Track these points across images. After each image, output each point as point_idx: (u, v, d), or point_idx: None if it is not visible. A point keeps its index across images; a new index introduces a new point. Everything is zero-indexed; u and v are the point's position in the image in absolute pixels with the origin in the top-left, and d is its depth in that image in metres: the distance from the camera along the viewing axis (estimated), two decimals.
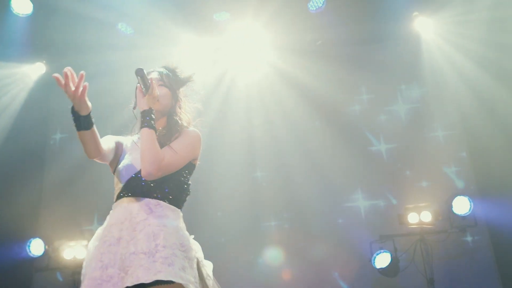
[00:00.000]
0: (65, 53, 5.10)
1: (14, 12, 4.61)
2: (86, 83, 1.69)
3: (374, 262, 4.69)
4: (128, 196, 1.88)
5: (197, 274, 1.81)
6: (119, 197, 1.92)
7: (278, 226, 5.17)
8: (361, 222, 5.07)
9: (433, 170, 5.06)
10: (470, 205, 4.63)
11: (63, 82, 1.66)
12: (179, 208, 1.93)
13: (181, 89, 2.09)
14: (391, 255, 4.67)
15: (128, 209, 1.84)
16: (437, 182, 5.00)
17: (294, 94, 5.18)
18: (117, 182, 1.95)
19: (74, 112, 1.74)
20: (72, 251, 4.85)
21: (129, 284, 1.67)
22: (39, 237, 4.85)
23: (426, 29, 4.97)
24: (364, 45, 5.14)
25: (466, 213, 4.65)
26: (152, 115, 1.87)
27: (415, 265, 4.67)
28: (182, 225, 1.90)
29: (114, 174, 2.00)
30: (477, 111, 4.61)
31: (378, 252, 4.72)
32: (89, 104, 1.74)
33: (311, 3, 4.79)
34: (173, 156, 1.87)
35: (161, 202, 1.86)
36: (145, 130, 1.84)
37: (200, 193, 4.46)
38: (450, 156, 5.09)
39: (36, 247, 4.82)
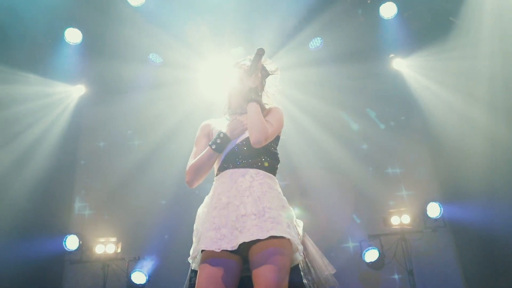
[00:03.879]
0: (103, 77, 6.00)
1: (66, 40, 5.52)
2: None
3: (364, 257, 5.53)
4: (230, 168, 2.10)
5: (296, 230, 2.03)
6: (221, 169, 2.14)
7: None
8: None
9: (412, 181, 6.00)
10: (441, 209, 5.52)
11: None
12: (274, 175, 2.16)
13: (266, 78, 2.33)
14: (378, 251, 5.52)
15: (232, 178, 2.05)
16: (415, 190, 5.93)
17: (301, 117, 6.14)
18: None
19: (226, 137, 2.11)
20: (102, 246, 5.52)
21: (246, 240, 1.86)
22: (74, 234, 5.49)
23: (401, 66, 6.07)
24: (354, 79, 6.13)
25: (437, 216, 5.52)
26: (259, 92, 2.13)
27: (397, 259, 5.56)
28: (280, 189, 2.11)
29: None
30: (446, 131, 5.61)
31: (367, 248, 5.57)
32: None
33: (311, 43, 5.94)
34: (272, 127, 2.10)
35: (260, 171, 2.08)
36: (254, 104, 2.08)
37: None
38: (425, 170, 6.08)
39: (71, 243, 5.46)
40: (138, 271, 5.45)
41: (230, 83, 2.28)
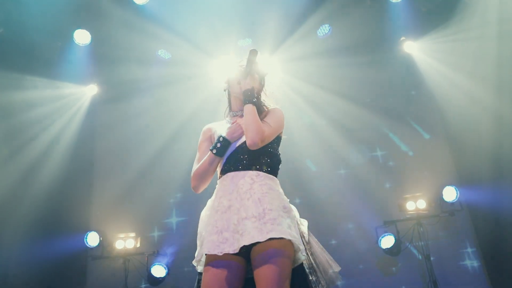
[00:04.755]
0: (113, 76, 6.07)
1: (75, 42, 5.59)
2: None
3: (380, 244, 5.52)
4: (231, 170, 2.11)
5: (298, 231, 2.02)
6: (223, 172, 2.15)
7: None
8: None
9: (426, 166, 5.91)
10: (457, 193, 5.45)
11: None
12: (275, 176, 2.15)
13: (265, 77, 2.33)
14: (394, 237, 5.49)
15: (233, 181, 2.06)
16: (430, 175, 5.83)
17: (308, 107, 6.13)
18: None
19: (226, 141, 2.14)
20: (122, 242, 5.67)
21: (246, 243, 1.87)
22: (95, 231, 5.65)
23: (412, 49, 5.94)
24: (365, 64, 5.99)
25: (453, 200, 5.47)
26: (255, 94, 2.12)
27: (413, 244, 5.54)
28: (281, 190, 2.11)
29: None
30: (457, 114, 5.51)
31: (383, 235, 5.55)
32: None
33: (319, 30, 5.85)
34: (269, 128, 2.10)
35: (260, 172, 2.07)
36: (249, 106, 2.08)
37: None
38: (440, 154, 5.99)
39: (92, 239, 5.62)
40: (158, 264, 5.57)
41: (230, 85, 2.29)
